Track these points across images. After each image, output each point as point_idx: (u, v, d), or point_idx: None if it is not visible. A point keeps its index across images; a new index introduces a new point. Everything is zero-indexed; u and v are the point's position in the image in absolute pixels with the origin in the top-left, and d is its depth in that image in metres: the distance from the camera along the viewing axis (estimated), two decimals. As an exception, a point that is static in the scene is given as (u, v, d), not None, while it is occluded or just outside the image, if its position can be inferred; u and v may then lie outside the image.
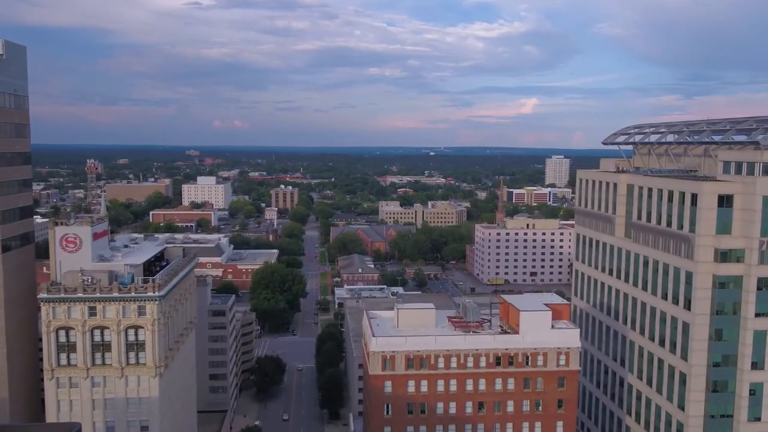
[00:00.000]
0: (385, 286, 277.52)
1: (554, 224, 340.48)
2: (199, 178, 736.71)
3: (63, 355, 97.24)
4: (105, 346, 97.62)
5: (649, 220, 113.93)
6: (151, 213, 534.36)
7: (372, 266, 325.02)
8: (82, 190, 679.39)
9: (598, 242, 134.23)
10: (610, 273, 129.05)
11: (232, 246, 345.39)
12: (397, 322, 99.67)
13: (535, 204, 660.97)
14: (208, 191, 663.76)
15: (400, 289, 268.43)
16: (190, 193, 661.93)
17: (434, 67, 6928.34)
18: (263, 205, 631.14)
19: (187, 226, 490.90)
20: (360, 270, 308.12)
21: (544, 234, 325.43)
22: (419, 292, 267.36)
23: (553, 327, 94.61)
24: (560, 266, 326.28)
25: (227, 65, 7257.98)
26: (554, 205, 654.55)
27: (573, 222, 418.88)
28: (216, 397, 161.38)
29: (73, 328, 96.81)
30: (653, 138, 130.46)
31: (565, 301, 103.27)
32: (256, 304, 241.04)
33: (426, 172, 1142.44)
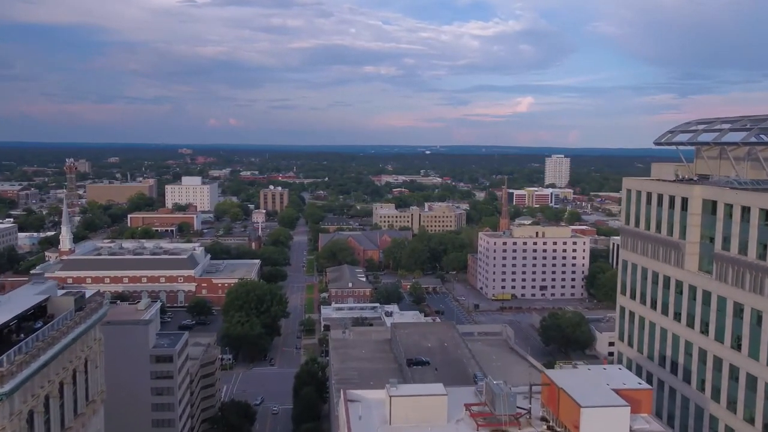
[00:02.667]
0: (378, 304, 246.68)
1: (566, 232, 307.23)
2: (184, 178, 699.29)
3: None
4: None
5: (743, 252, 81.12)
6: (129, 216, 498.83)
7: (363, 279, 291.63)
8: (65, 190, 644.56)
9: (656, 274, 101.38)
10: (676, 318, 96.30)
11: (209, 256, 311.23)
12: (390, 415, 65.39)
13: (536, 206, 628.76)
14: (193, 192, 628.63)
15: (395, 308, 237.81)
16: (174, 194, 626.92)
17: (429, 65, 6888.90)
18: (251, 207, 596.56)
19: (167, 230, 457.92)
20: (350, 284, 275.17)
21: (555, 243, 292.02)
22: (417, 311, 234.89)
23: (631, 430, 60.42)
24: (573, 279, 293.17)
25: (222, 63, 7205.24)
26: (557, 207, 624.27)
27: (584, 228, 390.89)
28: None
29: None
30: (733, 137, 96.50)
31: (642, 384, 69.02)
32: (228, 329, 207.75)
33: (422, 171, 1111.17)
